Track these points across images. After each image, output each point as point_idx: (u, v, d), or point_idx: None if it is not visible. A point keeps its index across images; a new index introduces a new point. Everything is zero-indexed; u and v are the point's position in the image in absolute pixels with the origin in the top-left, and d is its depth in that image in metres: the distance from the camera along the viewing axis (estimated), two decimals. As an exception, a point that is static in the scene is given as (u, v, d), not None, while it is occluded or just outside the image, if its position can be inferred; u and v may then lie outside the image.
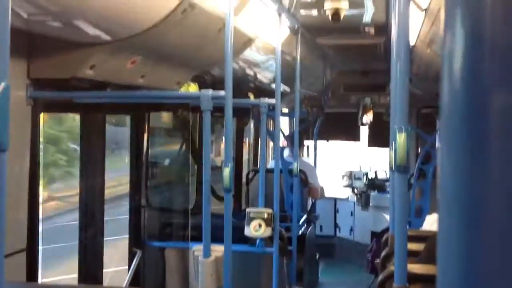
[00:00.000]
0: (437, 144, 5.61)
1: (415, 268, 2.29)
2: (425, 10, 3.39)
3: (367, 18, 5.08)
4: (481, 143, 0.44)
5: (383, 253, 3.06)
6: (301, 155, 7.14)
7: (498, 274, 0.45)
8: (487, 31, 0.43)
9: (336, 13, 3.79)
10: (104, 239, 3.63)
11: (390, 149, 3.20)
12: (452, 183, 0.46)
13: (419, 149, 7.00)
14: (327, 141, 9.78)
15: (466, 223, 0.46)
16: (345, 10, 3.85)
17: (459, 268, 0.46)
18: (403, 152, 1.69)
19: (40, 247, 2.80)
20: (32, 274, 2.67)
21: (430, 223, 3.54)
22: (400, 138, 1.68)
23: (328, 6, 3.83)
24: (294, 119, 5.90)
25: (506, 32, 0.43)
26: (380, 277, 2.42)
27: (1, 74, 1.21)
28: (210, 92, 2.79)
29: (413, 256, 2.53)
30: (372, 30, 5.52)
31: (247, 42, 4.05)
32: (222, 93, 2.87)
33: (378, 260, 3.73)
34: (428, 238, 2.83)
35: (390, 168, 3.23)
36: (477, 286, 0.46)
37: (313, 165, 7.95)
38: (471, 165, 0.45)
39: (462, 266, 0.46)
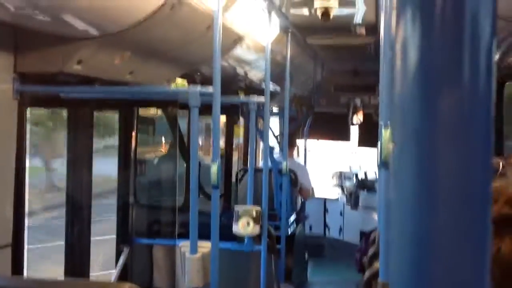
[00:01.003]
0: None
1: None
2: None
3: (358, 18, 5.09)
4: (432, 140, 0.44)
5: (370, 251, 3.07)
6: (292, 154, 7.15)
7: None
8: (437, 28, 0.43)
9: (326, 11, 3.80)
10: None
11: (377, 147, 3.22)
12: (405, 180, 0.46)
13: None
14: (317, 140, 9.79)
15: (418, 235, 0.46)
16: (334, 8, 3.86)
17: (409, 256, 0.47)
18: (389, 148, 1.69)
19: (25, 242, 2.78)
20: (17, 268, 2.66)
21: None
22: (386, 134, 1.68)
23: (318, 5, 3.84)
24: (284, 118, 5.91)
25: (454, 27, 0.43)
26: (366, 275, 2.43)
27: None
28: (198, 88, 2.78)
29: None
30: (362, 30, 5.53)
31: (237, 40, 4.05)
32: (210, 89, 2.87)
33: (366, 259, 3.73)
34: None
35: (378, 166, 3.25)
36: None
37: (303, 164, 7.96)
38: (422, 165, 0.45)
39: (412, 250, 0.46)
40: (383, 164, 1.75)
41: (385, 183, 1.91)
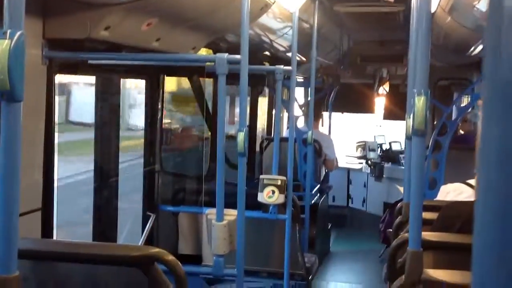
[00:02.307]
0: (454, 116, 5.52)
1: (428, 235, 2.28)
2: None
3: (386, -15, 4.99)
4: None
5: (396, 221, 3.05)
6: (317, 126, 7.12)
7: None
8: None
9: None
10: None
11: (406, 118, 3.17)
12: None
13: (435, 122, 6.95)
14: (342, 113, 9.74)
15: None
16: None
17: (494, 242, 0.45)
18: (422, 115, 1.66)
19: (55, 207, 2.82)
20: (47, 231, 2.70)
21: (445, 193, 3.52)
22: (419, 102, 1.65)
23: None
24: (309, 88, 5.86)
25: None
26: (393, 244, 2.42)
27: (16, 22, 1.19)
28: (226, 55, 2.76)
29: (426, 225, 2.52)
30: (391, -1, 5.42)
31: (264, 7, 4.00)
32: (238, 57, 2.84)
33: (390, 230, 3.72)
34: (442, 208, 2.82)
35: (406, 137, 3.21)
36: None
37: (328, 135, 7.93)
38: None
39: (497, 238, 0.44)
40: (415, 132, 1.72)
41: (415, 150, 1.87)
